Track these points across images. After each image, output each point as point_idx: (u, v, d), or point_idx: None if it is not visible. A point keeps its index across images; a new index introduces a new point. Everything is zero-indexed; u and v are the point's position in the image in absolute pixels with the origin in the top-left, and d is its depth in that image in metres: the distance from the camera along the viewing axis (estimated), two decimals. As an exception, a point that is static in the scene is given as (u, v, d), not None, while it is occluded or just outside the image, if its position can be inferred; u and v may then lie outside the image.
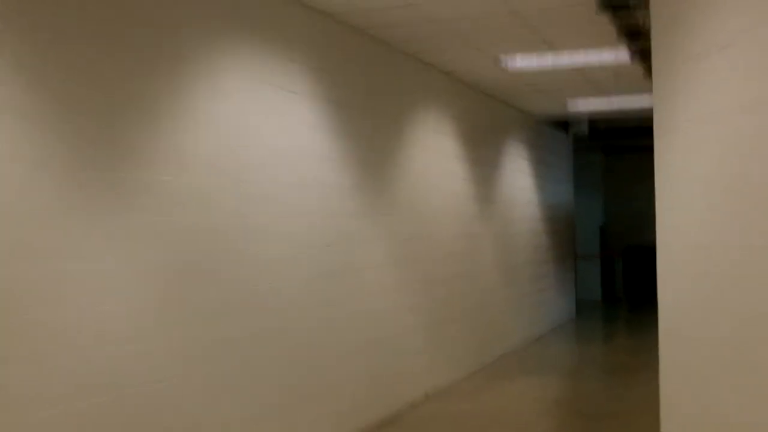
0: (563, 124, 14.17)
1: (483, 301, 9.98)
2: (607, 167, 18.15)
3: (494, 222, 10.48)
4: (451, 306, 8.91)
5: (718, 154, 3.52)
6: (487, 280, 10.17)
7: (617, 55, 8.17)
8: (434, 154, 8.57)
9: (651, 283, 16.59)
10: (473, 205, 9.75)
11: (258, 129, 5.49)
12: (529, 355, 10.81)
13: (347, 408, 6.56)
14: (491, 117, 10.63)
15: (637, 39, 6.53)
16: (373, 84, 7.22)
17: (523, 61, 8.53)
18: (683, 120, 3.93)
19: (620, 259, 17.03)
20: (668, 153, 4.16)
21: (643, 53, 7.04)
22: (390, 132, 7.56)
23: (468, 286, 9.47)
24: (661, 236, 4.27)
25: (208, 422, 4.90)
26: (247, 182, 5.35)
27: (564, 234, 14.35)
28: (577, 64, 8.64)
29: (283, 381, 5.69)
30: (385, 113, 7.48)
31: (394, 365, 7.43)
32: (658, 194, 4.29)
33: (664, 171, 4.23)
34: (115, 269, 4.24)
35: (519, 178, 11.77)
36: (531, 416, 7.48)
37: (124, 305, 4.29)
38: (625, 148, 17.50)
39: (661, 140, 4.28)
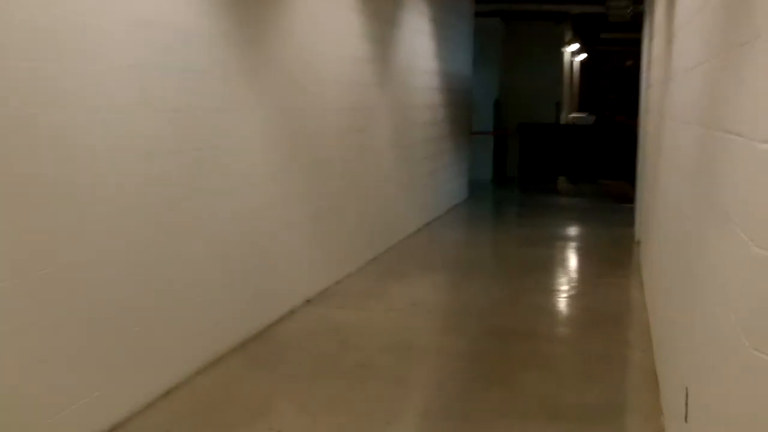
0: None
1: (376, 186, 8.50)
2: (506, 35, 16.64)
3: (391, 91, 8.88)
4: (341, 192, 7.38)
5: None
6: (381, 161, 8.66)
7: None
8: (322, 2, 6.81)
9: (544, 163, 15.35)
10: (369, 69, 8.10)
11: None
12: (421, 246, 9.51)
13: (209, 327, 5.04)
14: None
15: None
16: None
17: None
18: None
19: (515, 136, 15.77)
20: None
21: None
22: (269, -33, 5.76)
23: (360, 169, 7.94)
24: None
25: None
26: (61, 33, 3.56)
27: (461, 108, 12.90)
28: None
29: (120, 304, 4.07)
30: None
31: (270, 266, 5.92)
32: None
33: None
34: None
35: (419, 41, 10.13)
36: (418, 332, 6.09)
37: None
38: (526, 14, 16.07)
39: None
